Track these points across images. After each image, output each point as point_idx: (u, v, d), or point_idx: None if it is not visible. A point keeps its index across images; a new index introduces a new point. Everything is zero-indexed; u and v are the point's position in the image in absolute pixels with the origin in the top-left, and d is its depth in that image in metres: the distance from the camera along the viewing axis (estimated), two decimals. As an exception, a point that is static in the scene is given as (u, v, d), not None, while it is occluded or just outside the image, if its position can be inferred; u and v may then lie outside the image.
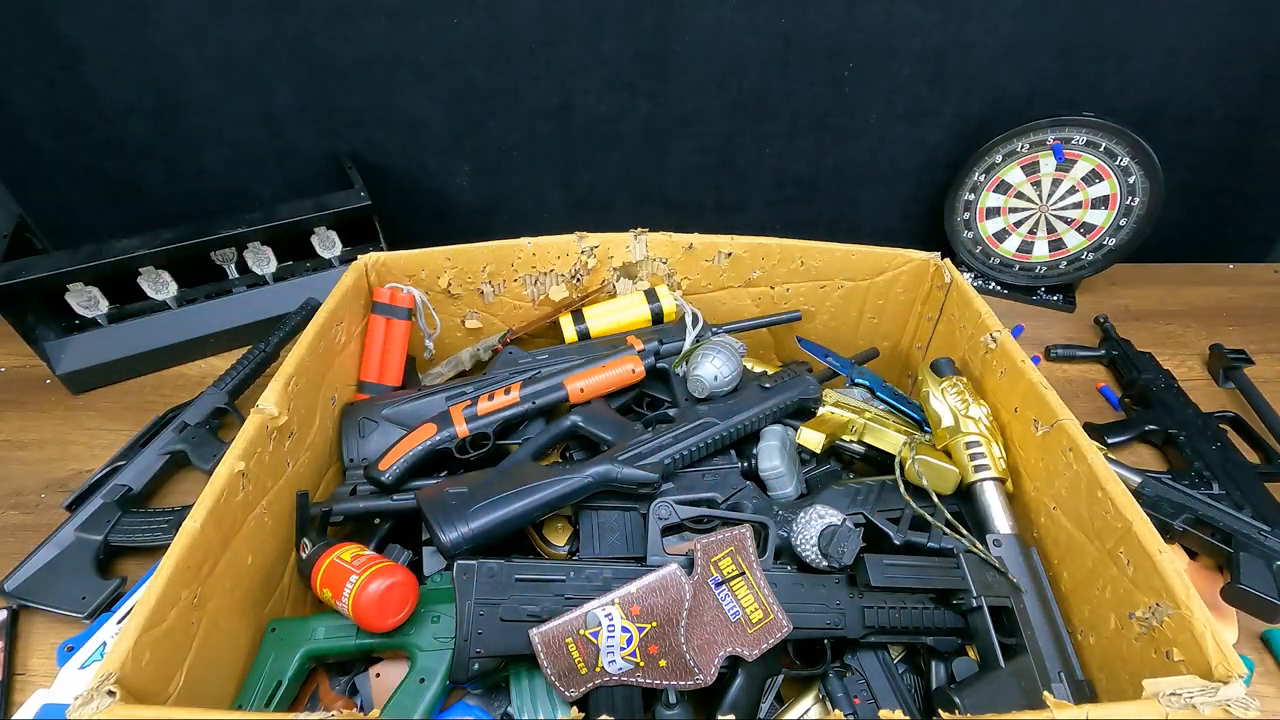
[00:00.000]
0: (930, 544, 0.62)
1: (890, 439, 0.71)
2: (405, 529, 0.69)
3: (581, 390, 0.72)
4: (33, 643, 0.68)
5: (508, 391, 0.72)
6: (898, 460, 0.68)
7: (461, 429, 0.70)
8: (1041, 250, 1.16)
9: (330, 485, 0.72)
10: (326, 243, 1.05)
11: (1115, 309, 1.13)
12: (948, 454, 0.68)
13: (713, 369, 0.72)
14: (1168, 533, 0.74)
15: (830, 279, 0.85)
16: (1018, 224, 1.15)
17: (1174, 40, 1.05)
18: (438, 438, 0.69)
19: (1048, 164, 1.09)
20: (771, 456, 0.68)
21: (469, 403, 0.72)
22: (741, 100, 1.12)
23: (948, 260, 0.80)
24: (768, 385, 0.74)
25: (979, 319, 0.72)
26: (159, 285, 0.98)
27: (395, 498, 0.66)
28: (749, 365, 0.83)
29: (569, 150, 1.15)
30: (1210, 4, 1.01)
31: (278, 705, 0.54)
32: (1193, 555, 0.75)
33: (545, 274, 0.85)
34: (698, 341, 0.78)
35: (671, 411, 0.72)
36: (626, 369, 0.74)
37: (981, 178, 1.14)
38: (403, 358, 0.81)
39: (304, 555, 0.61)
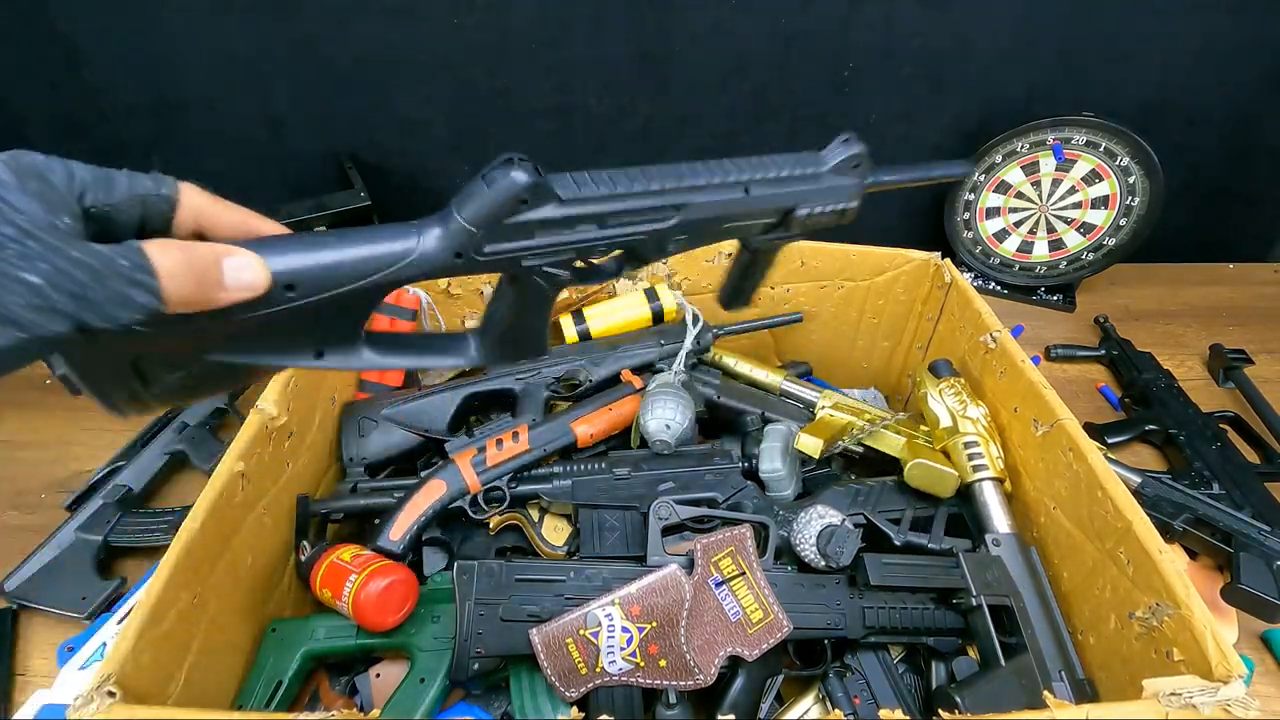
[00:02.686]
0: (930, 544, 0.62)
1: (890, 441, 0.71)
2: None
3: (590, 435, 0.71)
4: (33, 643, 0.68)
5: (515, 437, 0.69)
6: (901, 463, 0.68)
7: (472, 482, 0.66)
8: (1041, 250, 1.16)
9: (330, 485, 0.72)
10: (326, 243, 1.05)
11: (1115, 309, 1.13)
12: (946, 455, 0.68)
13: (662, 419, 0.68)
14: (1168, 533, 0.74)
15: (830, 279, 0.85)
16: (1018, 224, 1.15)
17: (1174, 40, 1.05)
18: (447, 495, 0.66)
19: (1048, 164, 1.09)
20: (773, 458, 0.68)
21: (475, 451, 0.68)
22: (741, 100, 1.12)
23: (948, 260, 0.80)
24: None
25: (979, 319, 0.72)
26: (159, 285, 0.98)
27: (396, 495, 0.66)
28: (749, 367, 0.83)
29: (569, 150, 1.15)
30: (1210, 4, 1.01)
31: (278, 705, 0.54)
32: (1193, 555, 0.75)
33: (545, 274, 0.84)
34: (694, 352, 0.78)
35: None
36: (630, 408, 0.73)
37: (981, 178, 1.14)
38: (403, 358, 0.81)
39: (303, 558, 0.61)
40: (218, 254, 0.27)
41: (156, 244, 0.25)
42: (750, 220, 0.43)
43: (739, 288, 0.51)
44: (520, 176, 0.34)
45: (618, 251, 0.40)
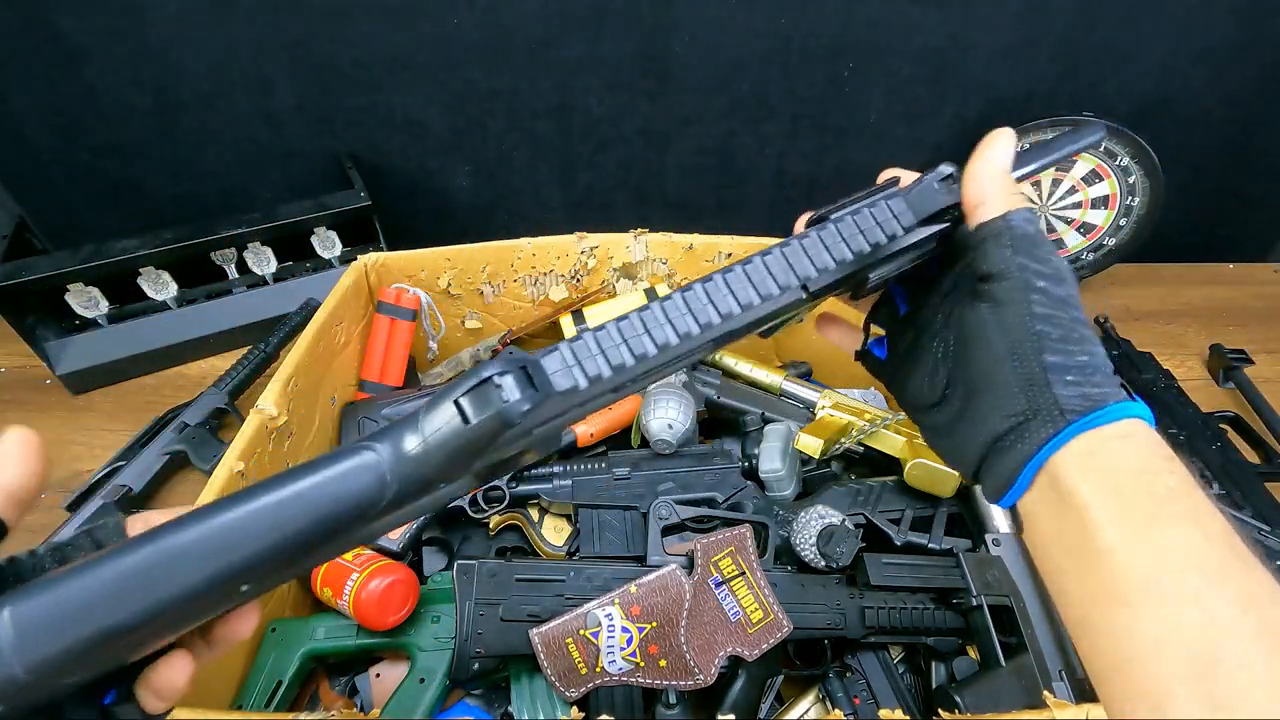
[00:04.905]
0: (930, 544, 0.62)
1: (890, 441, 0.71)
2: (405, 529, 0.69)
3: (590, 435, 0.71)
4: (33, 643, 0.68)
5: None
6: (901, 463, 0.68)
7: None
8: (1041, 250, 1.15)
9: (330, 485, 0.72)
10: (326, 243, 1.05)
11: (1115, 309, 1.13)
12: (948, 454, 0.68)
13: (665, 418, 0.67)
14: (1168, 533, 0.73)
15: (830, 279, 0.84)
16: (1018, 224, 1.15)
17: (1174, 40, 1.05)
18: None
19: (1048, 164, 1.09)
20: (773, 458, 0.68)
21: None
22: (741, 100, 1.12)
23: (948, 260, 0.80)
24: None
25: (979, 319, 0.72)
26: (159, 285, 0.98)
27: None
28: (749, 367, 0.83)
29: (569, 150, 1.15)
30: (1210, 4, 1.01)
31: (278, 705, 0.54)
32: (1193, 555, 0.75)
33: (545, 274, 0.85)
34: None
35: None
36: (630, 408, 0.73)
37: (981, 178, 1.13)
38: (405, 358, 0.81)
39: None
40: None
41: None
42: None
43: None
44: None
45: None
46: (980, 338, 0.30)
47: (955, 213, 0.33)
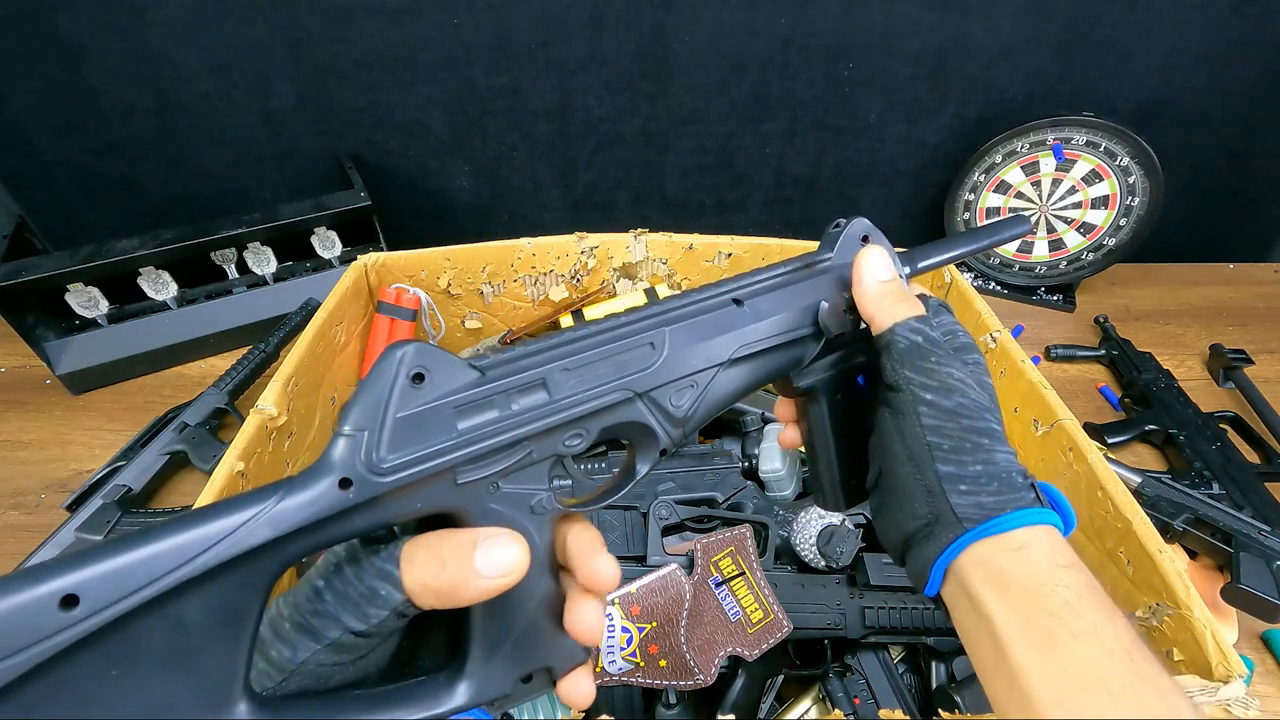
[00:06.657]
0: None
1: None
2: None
3: None
4: (33, 643, 0.68)
5: None
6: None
7: None
8: (1041, 250, 1.16)
9: (330, 485, 0.72)
10: (326, 243, 1.05)
11: (1115, 309, 1.13)
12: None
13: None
14: (1168, 533, 0.74)
15: (830, 279, 0.84)
16: (1018, 224, 1.15)
17: (1174, 40, 1.05)
18: None
19: (1048, 164, 1.09)
20: (773, 458, 0.68)
21: None
22: (741, 100, 1.12)
23: (948, 260, 0.80)
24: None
25: (979, 319, 0.72)
26: (159, 285, 0.98)
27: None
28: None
29: (569, 150, 1.15)
30: (1210, 4, 1.01)
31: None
32: (1193, 555, 0.75)
33: (545, 274, 0.85)
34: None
35: None
36: None
37: (981, 178, 1.14)
38: (403, 358, 0.81)
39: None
40: (472, 537, 0.25)
41: (419, 536, 0.25)
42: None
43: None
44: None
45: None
46: (887, 442, 0.33)
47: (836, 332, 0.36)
